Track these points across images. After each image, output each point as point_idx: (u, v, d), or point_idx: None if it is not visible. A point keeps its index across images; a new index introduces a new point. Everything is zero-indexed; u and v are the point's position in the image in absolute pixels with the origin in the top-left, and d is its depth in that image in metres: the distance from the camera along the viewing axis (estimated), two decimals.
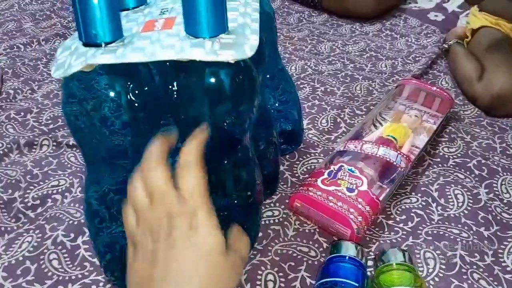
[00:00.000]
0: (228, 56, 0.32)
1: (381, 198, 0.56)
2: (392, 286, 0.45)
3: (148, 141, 0.34)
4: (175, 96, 0.36)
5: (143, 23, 0.36)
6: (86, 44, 0.33)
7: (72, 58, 0.32)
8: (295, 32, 1.03)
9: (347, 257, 0.47)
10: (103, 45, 0.32)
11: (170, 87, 0.35)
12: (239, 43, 0.33)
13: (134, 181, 0.34)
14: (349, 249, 0.48)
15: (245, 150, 0.42)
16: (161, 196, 0.33)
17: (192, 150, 0.33)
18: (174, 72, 0.35)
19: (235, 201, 0.44)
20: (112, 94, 0.34)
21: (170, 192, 0.33)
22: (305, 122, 0.74)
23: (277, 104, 0.64)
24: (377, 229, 0.56)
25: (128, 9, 0.40)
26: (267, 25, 0.54)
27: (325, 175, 0.58)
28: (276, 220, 0.57)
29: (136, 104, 0.35)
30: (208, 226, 0.33)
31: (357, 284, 0.43)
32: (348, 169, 0.58)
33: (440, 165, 0.66)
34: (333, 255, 0.47)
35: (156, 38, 0.33)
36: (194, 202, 0.33)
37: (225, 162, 0.41)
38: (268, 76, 0.60)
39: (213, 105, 0.36)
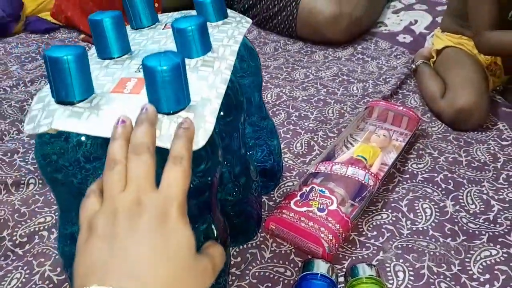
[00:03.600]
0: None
1: (351, 216, 0.60)
2: None
3: None
4: None
5: (118, 79, 0.37)
6: (57, 101, 0.34)
7: (43, 115, 0.34)
8: (271, 61, 1.08)
9: (318, 275, 0.50)
10: (74, 102, 0.34)
11: None
12: (196, 127, 0.32)
13: (114, 167, 0.31)
14: (320, 267, 0.50)
15: (210, 195, 0.42)
16: (136, 182, 0.30)
17: (184, 145, 0.31)
18: None
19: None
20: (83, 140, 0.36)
21: (147, 180, 0.30)
22: (281, 146, 0.77)
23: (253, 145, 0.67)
24: (349, 245, 0.59)
25: (112, 58, 0.41)
26: (256, 75, 0.57)
27: (298, 197, 0.61)
28: (254, 244, 0.59)
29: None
30: (179, 222, 0.30)
31: None
32: (319, 190, 0.62)
33: (409, 181, 0.70)
34: (305, 273, 0.50)
35: (120, 107, 0.33)
36: (169, 193, 0.30)
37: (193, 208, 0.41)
38: (252, 123, 0.63)
39: None
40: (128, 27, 0.49)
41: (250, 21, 0.51)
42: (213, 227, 0.41)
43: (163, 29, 0.47)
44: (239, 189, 0.54)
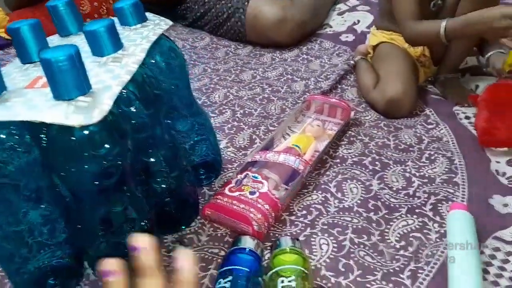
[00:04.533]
0: (75, 121, 0.36)
1: (280, 198, 0.65)
2: (284, 265, 0.52)
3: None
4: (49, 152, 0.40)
5: (33, 78, 0.42)
6: None
7: None
8: (222, 64, 1.14)
9: (246, 249, 0.55)
10: None
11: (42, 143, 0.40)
12: (92, 107, 0.37)
13: None
14: (247, 243, 0.55)
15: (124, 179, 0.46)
16: None
17: (191, 271, 0.30)
18: (44, 130, 0.39)
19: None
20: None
21: None
22: (224, 142, 0.83)
23: (193, 141, 0.72)
24: (280, 225, 0.64)
25: (32, 62, 0.48)
26: (181, 73, 0.62)
27: (232, 184, 0.66)
28: (192, 230, 0.64)
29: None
30: None
31: (248, 270, 0.51)
32: (253, 176, 0.67)
33: (339, 164, 0.76)
34: (233, 248, 0.55)
35: (29, 97, 0.38)
36: None
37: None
38: (181, 116, 0.68)
39: (84, 158, 0.39)
40: (57, 35, 0.54)
41: (170, 23, 0.56)
42: (131, 208, 0.46)
43: None
44: (170, 179, 0.59)
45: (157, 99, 0.55)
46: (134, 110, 0.46)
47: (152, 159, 0.55)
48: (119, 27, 0.49)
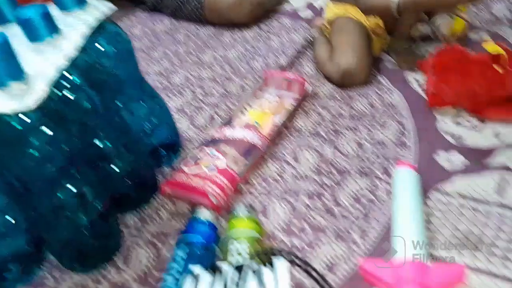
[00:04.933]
0: (10, 108, 0.37)
1: (239, 172, 0.67)
2: (241, 230, 0.55)
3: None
4: None
5: None
6: None
7: None
8: (183, 47, 1.15)
9: (203, 220, 0.57)
10: None
11: None
12: (27, 93, 0.37)
13: None
14: (202, 213, 0.58)
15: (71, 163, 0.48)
16: None
17: None
18: None
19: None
20: None
21: None
22: (185, 122, 0.84)
23: (151, 124, 0.73)
24: (239, 196, 0.67)
25: None
26: (128, 57, 0.63)
27: (190, 161, 0.69)
28: (153, 208, 0.66)
29: None
30: None
31: (203, 239, 0.54)
32: (210, 152, 0.69)
33: (296, 136, 0.79)
34: (188, 220, 0.57)
35: None
36: None
37: None
38: (134, 100, 0.69)
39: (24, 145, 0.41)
40: None
41: (113, 8, 0.57)
42: (84, 192, 0.48)
43: None
44: (125, 162, 0.61)
45: (103, 84, 0.56)
46: (77, 96, 0.47)
47: (102, 144, 0.56)
48: (57, 12, 0.50)
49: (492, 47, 0.73)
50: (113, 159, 0.59)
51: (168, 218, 0.64)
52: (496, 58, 0.73)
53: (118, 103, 0.65)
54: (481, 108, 0.73)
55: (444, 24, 0.96)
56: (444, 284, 0.48)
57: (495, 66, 0.72)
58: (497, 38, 0.97)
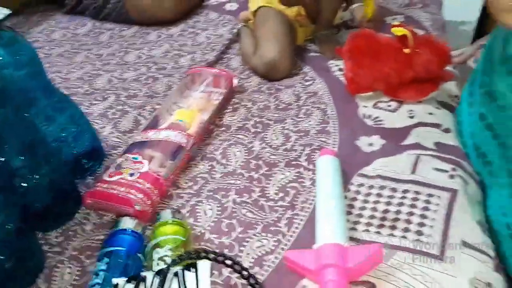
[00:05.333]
0: None
1: (163, 174, 0.66)
2: (165, 235, 0.54)
3: None
4: None
5: None
6: None
7: None
8: (105, 48, 1.10)
9: (126, 229, 0.55)
10: None
11: None
12: None
13: None
14: (126, 223, 0.56)
15: None
16: None
17: None
18: None
19: None
20: None
21: None
22: (108, 128, 0.81)
23: (69, 132, 0.70)
24: (167, 200, 0.66)
25: None
26: (30, 64, 0.59)
27: (111, 169, 0.66)
28: (76, 221, 0.63)
29: None
30: None
31: (124, 248, 0.52)
32: (132, 158, 0.67)
33: (224, 132, 0.78)
34: (112, 230, 0.55)
35: None
36: None
37: None
38: (48, 109, 0.65)
39: None
40: None
41: (6, 12, 0.53)
42: None
43: None
44: (41, 175, 0.57)
45: (3, 96, 0.52)
46: None
47: (7, 158, 0.52)
48: None
49: (399, 30, 0.76)
50: (26, 174, 0.55)
51: (92, 231, 0.62)
52: (402, 39, 0.77)
53: (27, 114, 0.61)
54: (394, 90, 0.77)
55: (358, 9, 0.99)
56: (364, 264, 0.50)
57: (404, 49, 0.76)
58: (411, 21, 1.02)
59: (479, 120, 0.68)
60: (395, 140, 0.71)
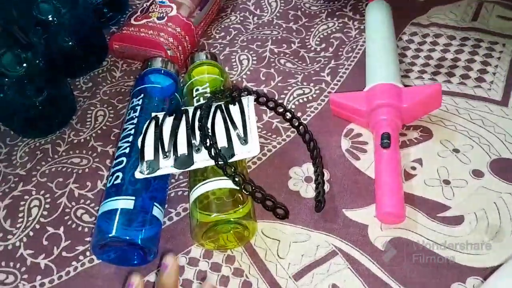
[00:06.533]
0: None
1: (193, 20, 0.60)
2: (203, 74, 0.50)
3: None
4: None
5: None
6: None
7: None
8: None
9: (158, 69, 0.51)
10: None
11: None
12: None
13: None
14: (157, 63, 0.52)
15: None
16: None
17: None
18: None
19: None
20: None
21: None
22: None
23: None
24: (196, 49, 0.61)
25: None
26: None
27: (138, 13, 0.60)
28: (104, 69, 0.59)
29: None
30: None
31: (160, 86, 0.48)
32: (159, 2, 0.60)
33: None
34: (145, 70, 0.51)
35: None
36: None
37: None
38: None
39: None
40: None
41: None
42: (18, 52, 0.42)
43: None
44: (61, 14, 0.52)
45: None
46: None
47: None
48: None
49: None
50: (48, 11, 0.50)
51: (122, 77, 0.58)
52: None
53: None
54: None
55: None
56: (420, 104, 0.46)
57: None
58: None
59: None
60: None
